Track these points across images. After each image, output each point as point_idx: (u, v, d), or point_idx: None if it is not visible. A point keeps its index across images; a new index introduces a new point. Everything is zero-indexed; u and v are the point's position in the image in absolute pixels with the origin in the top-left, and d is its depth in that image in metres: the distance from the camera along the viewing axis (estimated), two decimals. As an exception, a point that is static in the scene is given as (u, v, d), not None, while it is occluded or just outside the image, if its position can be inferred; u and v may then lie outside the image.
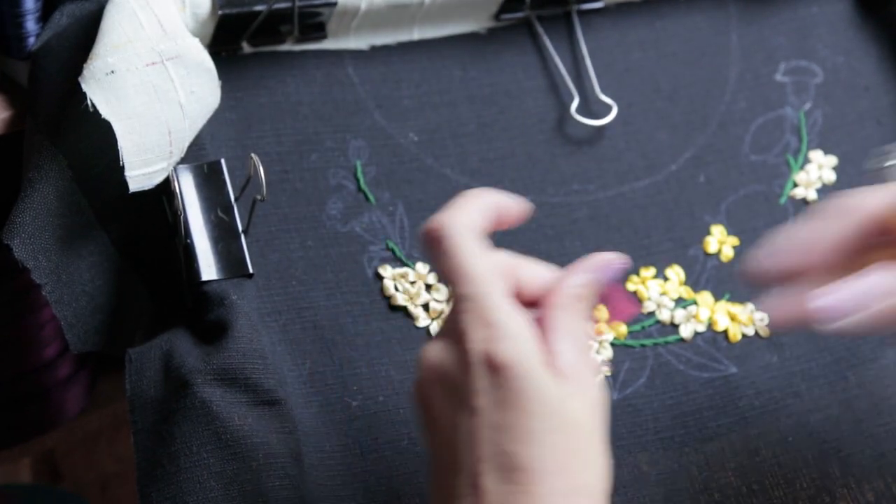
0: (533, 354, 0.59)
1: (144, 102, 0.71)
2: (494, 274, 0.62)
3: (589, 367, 0.61)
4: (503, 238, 0.82)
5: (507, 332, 0.59)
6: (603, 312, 0.71)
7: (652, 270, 0.83)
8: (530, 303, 0.63)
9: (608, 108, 0.86)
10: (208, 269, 0.74)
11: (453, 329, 0.60)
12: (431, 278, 0.79)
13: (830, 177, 0.88)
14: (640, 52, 0.89)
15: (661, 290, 0.82)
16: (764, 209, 0.86)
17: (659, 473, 0.77)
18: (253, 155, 0.74)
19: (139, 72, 0.71)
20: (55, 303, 0.74)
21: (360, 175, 0.81)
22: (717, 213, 0.86)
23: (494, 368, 0.58)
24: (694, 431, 0.78)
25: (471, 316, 0.60)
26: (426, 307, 0.79)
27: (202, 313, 0.73)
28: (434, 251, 0.63)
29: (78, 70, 0.72)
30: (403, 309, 0.79)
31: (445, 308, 0.79)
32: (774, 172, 0.88)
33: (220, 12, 0.77)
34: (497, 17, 0.87)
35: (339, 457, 0.73)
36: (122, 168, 0.71)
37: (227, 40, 0.80)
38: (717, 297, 0.83)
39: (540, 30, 0.88)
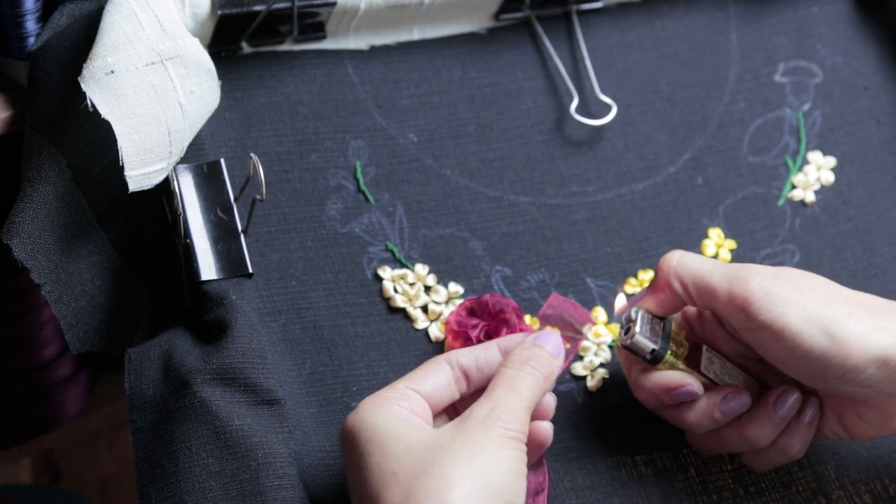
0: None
1: (144, 102, 0.71)
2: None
3: (497, 426, 0.66)
4: (503, 240, 0.82)
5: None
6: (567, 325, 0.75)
7: (650, 273, 0.83)
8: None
9: (607, 109, 0.86)
10: (208, 268, 0.74)
11: None
12: (430, 280, 0.79)
13: (829, 178, 0.88)
14: (639, 52, 0.89)
15: (660, 291, 0.82)
16: (762, 211, 0.86)
17: (657, 475, 0.77)
18: (252, 155, 0.74)
19: (139, 72, 0.71)
20: (54, 303, 0.74)
21: (359, 175, 0.81)
22: (714, 216, 0.85)
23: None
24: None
25: None
26: (425, 309, 0.79)
27: (202, 313, 0.73)
28: None
29: (77, 70, 0.72)
30: (402, 311, 0.79)
31: (444, 310, 0.79)
32: (773, 174, 0.88)
33: (219, 12, 0.77)
34: (497, 17, 0.87)
35: (338, 456, 0.73)
36: (122, 168, 0.71)
37: (226, 40, 0.80)
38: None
39: (539, 30, 0.88)
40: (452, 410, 0.71)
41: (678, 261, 0.74)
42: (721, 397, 0.74)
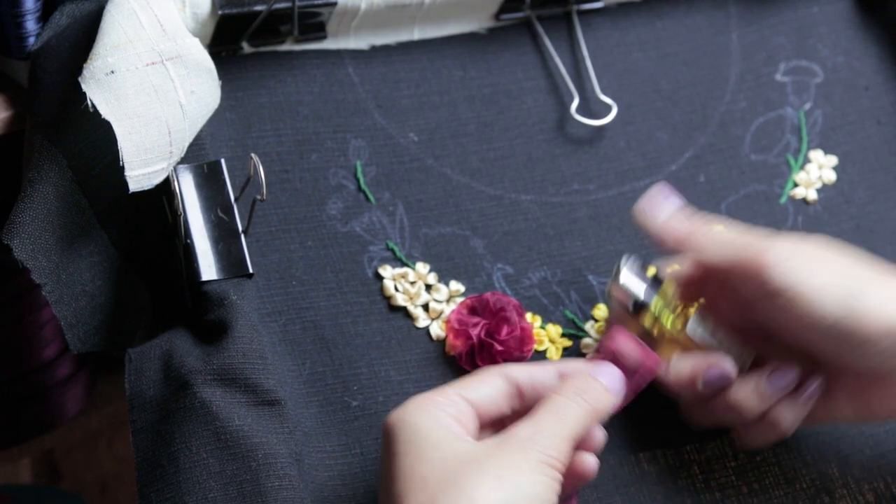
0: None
1: (144, 102, 0.71)
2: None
3: (538, 455, 0.65)
4: (504, 239, 0.82)
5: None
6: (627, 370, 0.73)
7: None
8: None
9: (608, 108, 0.86)
10: (208, 269, 0.74)
11: None
12: (431, 278, 0.79)
13: (831, 177, 0.88)
14: (640, 52, 0.89)
15: (662, 290, 0.82)
16: (764, 209, 0.86)
17: (660, 472, 0.77)
18: (253, 155, 0.74)
19: (139, 72, 0.71)
20: (55, 303, 0.74)
21: (360, 175, 0.81)
22: (717, 214, 0.85)
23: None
24: (695, 432, 0.78)
25: None
26: (426, 307, 0.79)
27: (202, 313, 0.73)
28: None
29: (78, 70, 0.72)
30: (403, 309, 0.79)
31: (445, 308, 0.79)
32: (774, 172, 0.88)
33: (220, 12, 0.77)
34: (497, 17, 0.87)
35: (338, 457, 0.73)
36: (122, 168, 0.71)
37: (227, 40, 0.80)
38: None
39: (540, 30, 0.88)
40: (500, 425, 0.69)
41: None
42: (706, 366, 0.72)
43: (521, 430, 0.65)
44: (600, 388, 0.69)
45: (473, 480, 0.62)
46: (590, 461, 0.69)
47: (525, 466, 0.63)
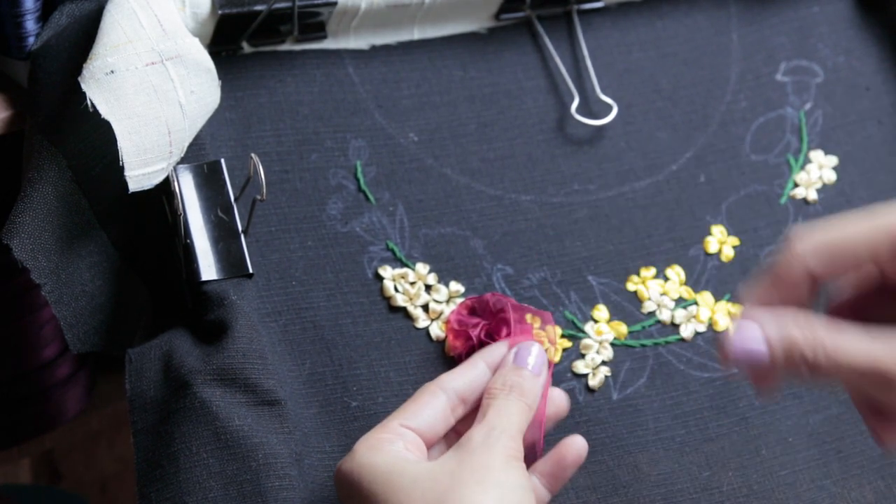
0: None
1: (144, 102, 0.71)
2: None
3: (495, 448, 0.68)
4: (504, 239, 0.82)
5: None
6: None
7: (652, 270, 0.83)
8: None
9: (608, 108, 0.86)
10: (208, 269, 0.74)
11: None
12: (431, 279, 0.79)
13: (831, 177, 0.88)
14: (640, 51, 0.89)
15: (662, 291, 0.82)
16: (765, 209, 0.86)
17: (659, 474, 0.77)
18: (253, 155, 0.74)
19: (139, 71, 0.71)
20: (55, 303, 0.74)
21: (360, 175, 0.81)
22: (717, 213, 0.85)
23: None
24: (694, 431, 0.78)
25: None
26: (426, 308, 0.79)
27: (202, 313, 0.73)
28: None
29: (78, 70, 0.72)
30: (403, 310, 0.79)
31: (445, 309, 0.79)
32: (775, 172, 0.88)
33: (219, 12, 0.77)
34: (497, 16, 0.87)
35: (338, 457, 0.73)
36: (122, 168, 0.71)
37: (226, 40, 0.80)
38: (718, 298, 0.83)
39: (540, 29, 0.88)
40: (453, 434, 0.72)
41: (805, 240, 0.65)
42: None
43: (476, 434, 0.68)
44: (526, 379, 0.71)
45: (458, 491, 0.64)
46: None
47: (496, 464, 0.66)
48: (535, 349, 0.73)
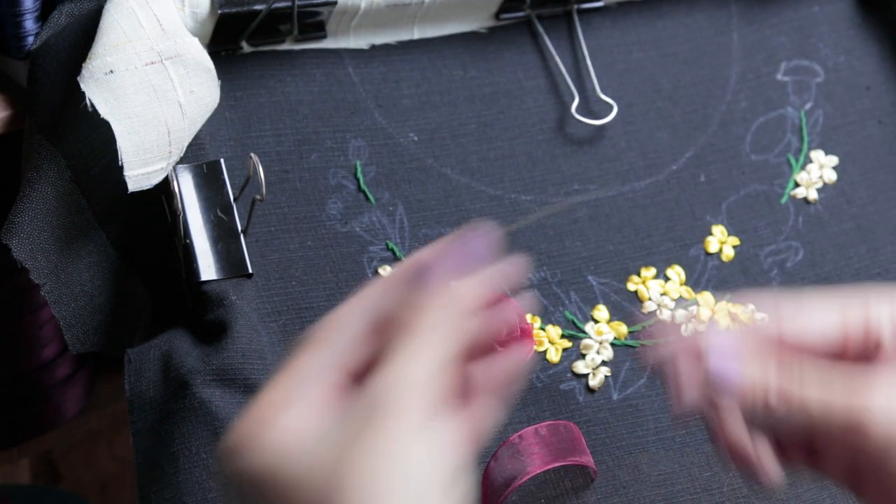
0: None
1: (143, 102, 0.71)
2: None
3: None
4: (504, 239, 0.82)
5: None
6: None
7: (652, 270, 0.83)
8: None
9: (608, 108, 0.86)
10: (208, 269, 0.74)
11: None
12: (431, 278, 0.79)
13: (831, 176, 0.88)
14: (640, 51, 0.89)
15: (662, 291, 0.82)
16: (765, 209, 0.86)
17: (659, 474, 0.76)
18: (252, 154, 0.74)
19: (138, 71, 0.71)
20: (54, 303, 0.74)
21: (359, 175, 0.81)
22: (717, 213, 0.85)
23: None
24: (695, 431, 0.78)
25: None
26: (426, 307, 0.79)
27: (202, 313, 0.73)
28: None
29: (77, 70, 0.72)
30: (403, 309, 0.78)
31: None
32: (775, 172, 0.88)
33: (219, 11, 0.77)
34: (497, 16, 0.87)
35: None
36: (121, 168, 0.71)
37: (226, 40, 0.80)
38: (718, 298, 0.83)
39: (540, 29, 0.88)
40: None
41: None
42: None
43: (372, 391, 0.50)
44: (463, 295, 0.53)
45: (350, 496, 0.48)
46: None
47: (400, 438, 0.49)
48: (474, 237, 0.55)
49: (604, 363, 0.79)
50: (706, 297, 0.83)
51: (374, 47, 0.85)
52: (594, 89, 0.87)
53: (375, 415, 0.49)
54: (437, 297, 0.52)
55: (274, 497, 0.49)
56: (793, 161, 0.88)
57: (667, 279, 0.83)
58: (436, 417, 0.50)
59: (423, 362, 0.51)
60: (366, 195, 0.81)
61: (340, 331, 0.53)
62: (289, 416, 0.51)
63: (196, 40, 0.74)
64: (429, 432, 0.49)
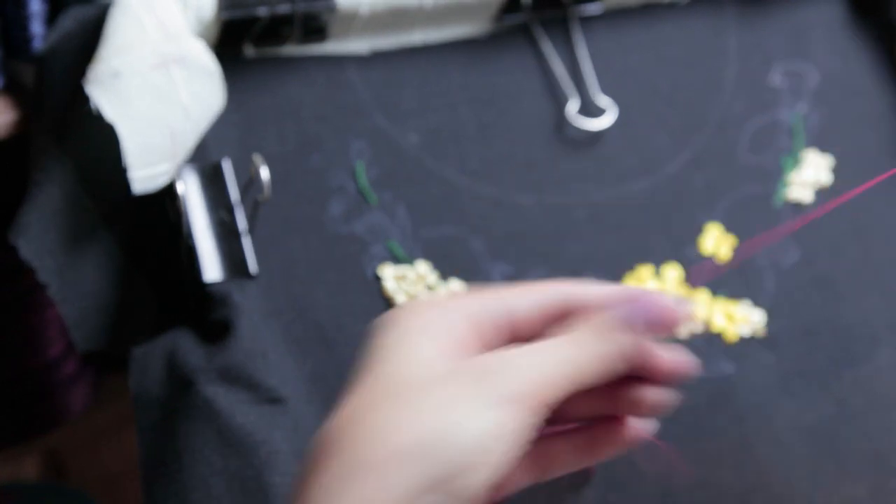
0: None
1: (148, 105, 0.72)
2: None
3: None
4: (504, 239, 0.82)
5: None
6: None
7: (649, 270, 0.83)
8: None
9: (607, 110, 0.87)
10: (211, 269, 0.74)
11: None
12: (432, 279, 0.80)
13: (826, 179, 0.88)
14: (638, 54, 0.90)
15: (659, 290, 0.83)
16: (760, 210, 0.87)
17: (656, 472, 0.77)
18: (256, 156, 0.75)
19: (143, 74, 0.72)
20: (60, 302, 0.74)
21: (361, 176, 0.82)
22: (713, 215, 0.86)
23: None
24: (691, 430, 0.79)
25: None
26: (426, 307, 0.79)
27: (205, 313, 0.73)
28: None
29: (83, 72, 0.72)
30: (404, 309, 0.79)
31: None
32: (770, 174, 0.88)
33: (222, 16, 0.77)
34: (497, 20, 0.87)
35: (340, 455, 0.73)
36: (127, 169, 0.71)
37: (230, 43, 0.80)
38: (714, 297, 0.83)
39: (539, 34, 0.88)
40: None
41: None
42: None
43: (494, 357, 0.51)
44: (627, 332, 0.53)
45: (395, 419, 0.50)
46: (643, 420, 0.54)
47: (479, 403, 0.49)
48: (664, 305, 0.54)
49: None
50: (702, 296, 0.83)
51: (375, 51, 0.85)
52: (593, 92, 0.87)
53: (474, 374, 0.49)
54: (623, 324, 0.52)
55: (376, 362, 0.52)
56: (788, 163, 0.89)
57: (664, 279, 0.83)
58: (498, 408, 0.48)
59: (556, 365, 0.50)
60: (367, 196, 0.81)
61: (520, 294, 0.53)
62: (434, 326, 0.52)
63: (200, 44, 0.74)
64: (482, 415, 0.48)
